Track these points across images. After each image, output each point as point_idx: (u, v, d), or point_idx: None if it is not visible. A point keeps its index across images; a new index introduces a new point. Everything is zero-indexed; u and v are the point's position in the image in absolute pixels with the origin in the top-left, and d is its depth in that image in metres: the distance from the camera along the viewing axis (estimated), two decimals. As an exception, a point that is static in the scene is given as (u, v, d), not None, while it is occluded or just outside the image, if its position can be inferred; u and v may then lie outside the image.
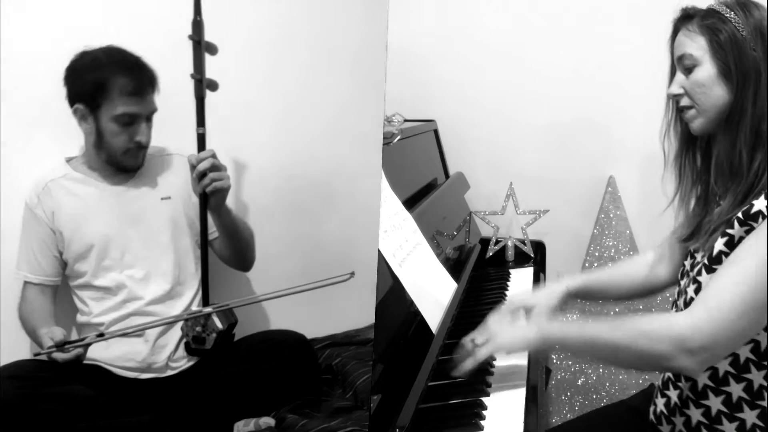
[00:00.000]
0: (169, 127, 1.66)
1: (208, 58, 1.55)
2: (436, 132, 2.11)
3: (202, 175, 1.53)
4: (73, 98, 1.56)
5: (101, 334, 1.53)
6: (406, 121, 1.68)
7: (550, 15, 2.10)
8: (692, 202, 1.21)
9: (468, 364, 1.12)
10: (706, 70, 1.09)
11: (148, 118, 1.58)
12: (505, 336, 1.12)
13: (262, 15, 1.83)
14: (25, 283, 1.61)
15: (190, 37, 1.52)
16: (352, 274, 1.43)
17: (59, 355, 1.44)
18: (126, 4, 1.68)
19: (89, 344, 1.50)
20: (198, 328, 1.56)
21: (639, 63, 1.95)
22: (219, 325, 1.55)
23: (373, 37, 1.72)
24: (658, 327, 1.01)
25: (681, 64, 1.13)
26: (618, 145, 2.11)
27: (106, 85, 1.51)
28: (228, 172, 1.58)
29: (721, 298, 0.98)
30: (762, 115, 1.06)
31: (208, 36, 1.55)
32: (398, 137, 1.56)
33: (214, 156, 1.54)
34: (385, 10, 1.62)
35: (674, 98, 1.16)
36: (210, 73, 1.56)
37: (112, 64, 1.53)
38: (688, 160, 1.21)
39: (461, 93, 2.20)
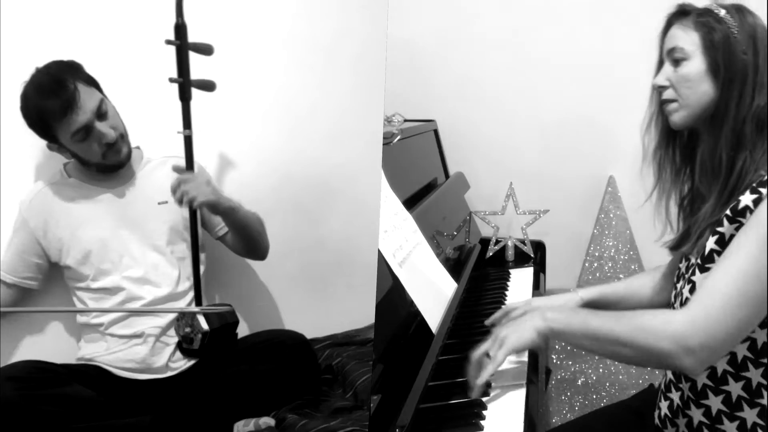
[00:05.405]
0: (168, 129, 1.65)
1: (210, 59, 1.55)
2: (436, 132, 2.11)
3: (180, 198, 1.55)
4: (43, 137, 1.56)
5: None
6: (406, 121, 1.68)
7: (551, 14, 2.10)
8: (672, 203, 1.22)
9: (488, 371, 1.11)
10: (696, 65, 1.11)
11: (100, 117, 1.53)
12: (515, 334, 1.12)
13: (263, 15, 1.83)
14: None
15: (170, 42, 1.50)
16: None
17: None
18: (119, 4, 1.68)
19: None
20: (187, 329, 1.57)
21: (640, 62, 1.94)
22: (204, 326, 1.56)
23: (373, 37, 1.72)
24: (658, 324, 1.01)
25: (670, 57, 1.15)
26: (618, 145, 2.11)
27: (44, 119, 1.49)
28: (209, 173, 1.58)
29: (714, 293, 0.99)
30: (745, 117, 1.07)
31: (210, 36, 1.55)
32: (398, 137, 1.56)
33: (180, 175, 1.55)
34: (385, 10, 1.63)
35: (659, 89, 1.17)
36: (210, 73, 1.56)
37: (35, 95, 1.49)
38: (668, 155, 1.22)
39: (461, 93, 2.20)
